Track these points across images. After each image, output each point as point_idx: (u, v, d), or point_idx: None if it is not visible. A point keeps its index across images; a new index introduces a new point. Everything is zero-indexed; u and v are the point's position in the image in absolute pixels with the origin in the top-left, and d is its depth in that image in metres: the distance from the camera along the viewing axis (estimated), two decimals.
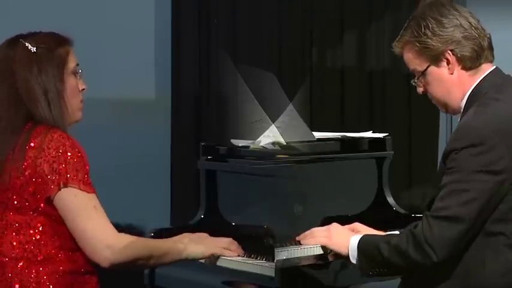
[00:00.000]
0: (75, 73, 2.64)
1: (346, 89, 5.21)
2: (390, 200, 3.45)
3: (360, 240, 2.67)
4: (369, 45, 5.21)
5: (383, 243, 2.57)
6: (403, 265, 2.54)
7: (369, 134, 3.62)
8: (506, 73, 2.69)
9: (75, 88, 2.63)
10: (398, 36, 2.70)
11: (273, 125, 3.35)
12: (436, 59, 2.63)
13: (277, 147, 3.32)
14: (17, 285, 2.51)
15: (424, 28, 2.62)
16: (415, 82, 2.70)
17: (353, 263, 2.69)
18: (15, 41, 2.60)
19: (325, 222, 2.99)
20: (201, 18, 5.08)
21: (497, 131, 2.49)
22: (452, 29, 2.61)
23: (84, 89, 2.67)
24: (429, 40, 2.61)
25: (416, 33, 2.63)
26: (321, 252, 2.91)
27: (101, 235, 2.51)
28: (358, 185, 3.40)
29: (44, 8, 4.47)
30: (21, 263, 2.52)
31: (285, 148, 3.30)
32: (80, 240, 2.52)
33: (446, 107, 2.70)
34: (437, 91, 2.67)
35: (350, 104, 5.20)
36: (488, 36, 2.64)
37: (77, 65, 2.65)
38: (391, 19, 5.15)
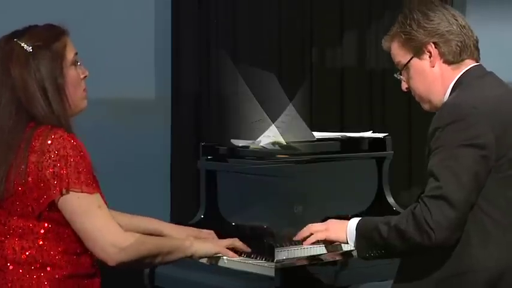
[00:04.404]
0: (75, 63, 2.59)
1: (346, 89, 5.21)
2: (390, 200, 3.45)
3: (358, 222, 2.66)
4: (368, 45, 5.21)
5: (382, 225, 2.56)
6: (401, 246, 2.52)
7: (368, 134, 3.63)
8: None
9: (76, 78, 2.59)
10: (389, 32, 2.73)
11: (273, 125, 3.35)
12: (418, 50, 2.66)
13: (277, 147, 3.32)
14: None
15: (410, 20, 2.67)
16: (399, 76, 2.72)
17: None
18: (11, 41, 2.53)
19: None
20: (201, 18, 5.08)
21: (477, 108, 2.51)
22: (438, 21, 2.65)
23: (86, 76, 2.62)
24: (413, 31, 2.66)
25: (402, 25, 2.69)
26: (322, 252, 2.92)
27: (106, 234, 2.49)
28: (358, 185, 3.40)
29: (43, 7, 4.47)
30: (22, 268, 2.49)
31: (285, 148, 3.30)
32: (86, 241, 2.50)
33: (429, 103, 2.71)
34: (419, 85, 2.70)
35: (350, 104, 5.20)
36: (475, 38, 2.67)
37: (76, 54, 2.60)
38: (390, 19, 5.15)
